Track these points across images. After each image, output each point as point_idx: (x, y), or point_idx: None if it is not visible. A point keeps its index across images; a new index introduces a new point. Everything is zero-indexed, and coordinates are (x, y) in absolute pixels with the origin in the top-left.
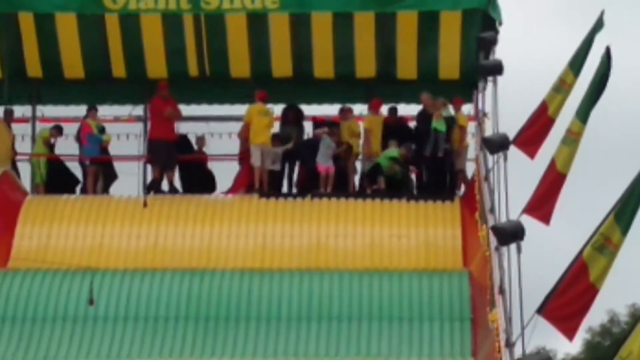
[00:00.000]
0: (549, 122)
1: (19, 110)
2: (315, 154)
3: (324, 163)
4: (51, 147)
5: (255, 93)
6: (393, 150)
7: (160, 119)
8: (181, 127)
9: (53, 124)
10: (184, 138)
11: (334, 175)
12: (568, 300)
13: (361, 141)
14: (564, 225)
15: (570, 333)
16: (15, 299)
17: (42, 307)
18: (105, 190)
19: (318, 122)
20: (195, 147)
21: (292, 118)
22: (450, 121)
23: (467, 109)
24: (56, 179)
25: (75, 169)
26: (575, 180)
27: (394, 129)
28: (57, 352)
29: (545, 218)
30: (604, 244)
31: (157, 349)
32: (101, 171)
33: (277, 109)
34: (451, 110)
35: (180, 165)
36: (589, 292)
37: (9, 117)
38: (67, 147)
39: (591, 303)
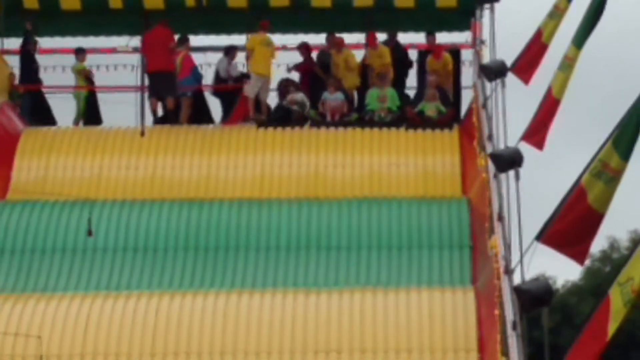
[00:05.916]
0: (543, 48)
1: (15, 43)
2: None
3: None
4: (90, 80)
5: (258, 22)
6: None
7: (164, 50)
8: None
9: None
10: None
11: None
12: (569, 225)
13: None
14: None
15: (579, 257)
16: (13, 231)
17: (40, 239)
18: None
19: None
20: None
21: None
22: None
23: (464, 36)
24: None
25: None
26: (575, 107)
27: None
28: (56, 284)
29: (539, 143)
30: (601, 170)
31: (156, 279)
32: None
33: (275, 38)
34: None
35: None
36: (591, 216)
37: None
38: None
39: (596, 227)
